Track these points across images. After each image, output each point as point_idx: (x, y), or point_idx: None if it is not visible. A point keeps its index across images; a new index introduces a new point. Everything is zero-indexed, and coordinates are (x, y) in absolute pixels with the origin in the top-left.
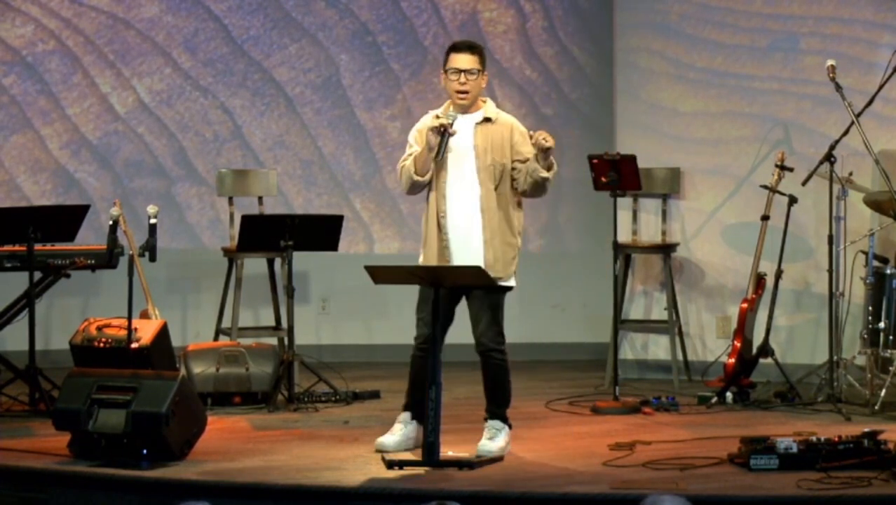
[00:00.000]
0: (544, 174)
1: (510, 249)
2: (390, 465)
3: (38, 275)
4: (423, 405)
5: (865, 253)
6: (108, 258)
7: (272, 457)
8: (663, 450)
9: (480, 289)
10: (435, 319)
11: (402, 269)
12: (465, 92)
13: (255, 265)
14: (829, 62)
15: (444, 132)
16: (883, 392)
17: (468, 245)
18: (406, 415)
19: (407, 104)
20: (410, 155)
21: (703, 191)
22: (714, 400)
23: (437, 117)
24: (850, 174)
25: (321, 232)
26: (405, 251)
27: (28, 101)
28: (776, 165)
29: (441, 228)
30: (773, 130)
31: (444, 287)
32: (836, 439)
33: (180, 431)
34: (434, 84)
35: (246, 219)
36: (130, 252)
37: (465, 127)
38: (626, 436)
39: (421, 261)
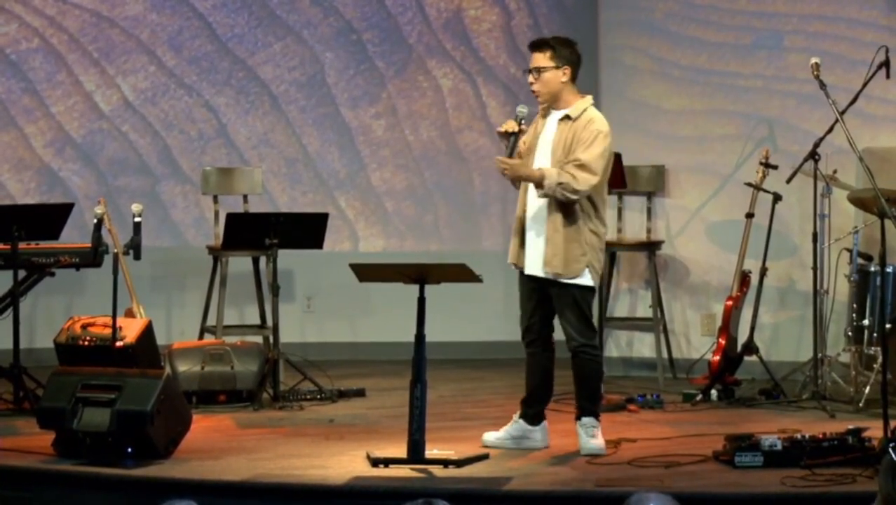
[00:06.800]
0: (540, 189)
1: (576, 247)
2: (375, 462)
3: (22, 273)
4: (528, 404)
5: (850, 250)
6: (92, 256)
7: (257, 455)
8: (648, 447)
9: (555, 288)
10: (421, 318)
11: (387, 266)
12: (536, 91)
13: (239, 263)
14: (813, 60)
15: (510, 133)
16: (867, 389)
17: (538, 240)
18: (517, 414)
19: (392, 102)
20: None
21: (688, 188)
22: (699, 397)
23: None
24: (835, 172)
25: (306, 230)
26: (390, 249)
27: (12, 100)
28: (760, 163)
29: (522, 222)
30: (757, 128)
31: (429, 284)
32: (821, 437)
33: (165, 429)
34: (419, 82)
35: (231, 217)
36: (115, 250)
37: (551, 123)
38: (611, 433)
39: None
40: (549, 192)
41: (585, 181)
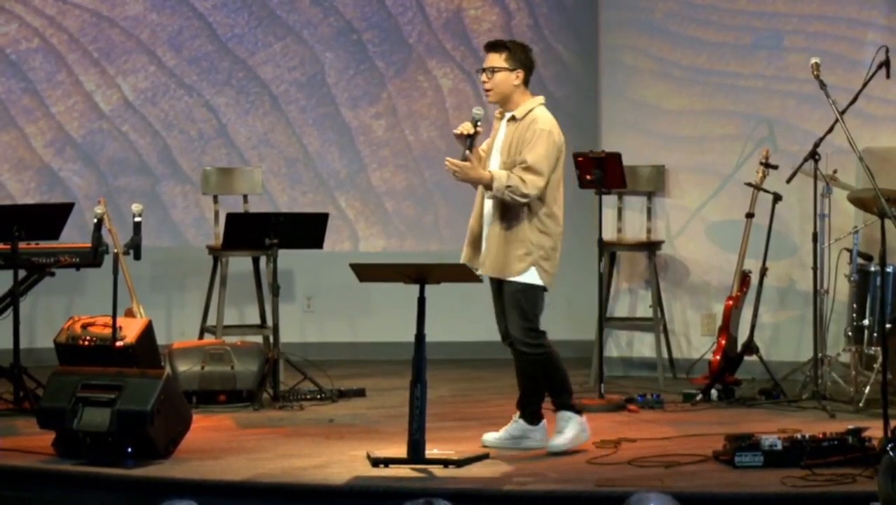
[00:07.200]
0: (489, 191)
1: (518, 247)
2: (375, 463)
3: (22, 273)
4: (523, 404)
5: (850, 250)
6: (92, 256)
7: (257, 455)
8: (648, 447)
9: (504, 287)
10: (421, 318)
11: (387, 266)
12: (487, 90)
13: (240, 263)
14: (814, 60)
15: (467, 136)
16: (867, 389)
17: (484, 240)
18: (517, 414)
19: (392, 102)
20: None
21: (688, 188)
22: (699, 397)
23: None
24: (835, 172)
25: (306, 230)
26: (390, 249)
27: (12, 100)
28: (760, 163)
29: (478, 223)
30: (757, 128)
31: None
32: (821, 436)
33: (165, 429)
34: (419, 82)
35: (231, 217)
36: (115, 250)
37: (503, 126)
38: (611, 433)
39: None
40: (497, 194)
41: (533, 184)
